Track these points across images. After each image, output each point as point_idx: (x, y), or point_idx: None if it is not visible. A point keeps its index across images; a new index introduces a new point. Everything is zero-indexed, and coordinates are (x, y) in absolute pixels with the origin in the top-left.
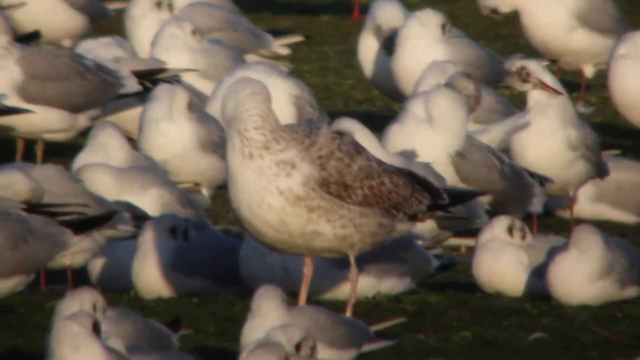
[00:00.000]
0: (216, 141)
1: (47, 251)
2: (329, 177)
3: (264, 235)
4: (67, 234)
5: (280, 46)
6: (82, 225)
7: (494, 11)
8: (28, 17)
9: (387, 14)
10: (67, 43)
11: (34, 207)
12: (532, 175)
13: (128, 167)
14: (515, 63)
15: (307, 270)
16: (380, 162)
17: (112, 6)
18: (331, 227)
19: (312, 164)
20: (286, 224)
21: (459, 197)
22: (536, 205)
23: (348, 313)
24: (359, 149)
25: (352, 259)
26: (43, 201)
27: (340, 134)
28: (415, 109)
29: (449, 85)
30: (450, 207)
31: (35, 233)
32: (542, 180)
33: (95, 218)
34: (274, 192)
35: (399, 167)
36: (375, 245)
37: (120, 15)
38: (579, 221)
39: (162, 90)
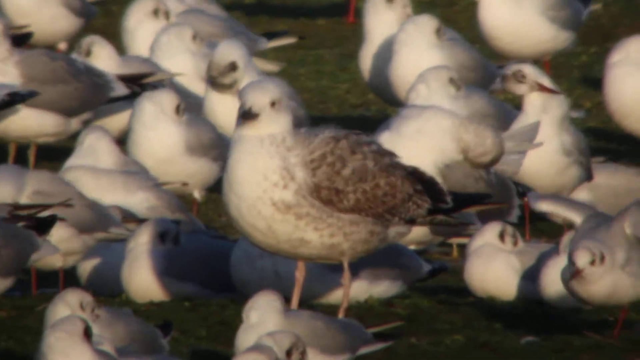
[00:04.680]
0: (206, 144)
1: (27, 251)
2: (320, 183)
3: (252, 236)
4: (34, 235)
5: (269, 62)
6: (41, 227)
7: None
8: (32, 25)
9: None
10: (62, 45)
11: (19, 208)
12: (516, 184)
13: (115, 170)
14: (511, 67)
15: (300, 274)
16: (380, 158)
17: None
18: (319, 235)
19: (305, 168)
20: (273, 230)
21: (465, 201)
22: (513, 216)
23: (340, 317)
24: (355, 149)
25: (345, 265)
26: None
27: (337, 138)
28: (410, 119)
29: (472, 124)
30: (454, 211)
31: (16, 233)
32: (525, 189)
33: (46, 219)
34: (267, 202)
35: (402, 165)
36: (368, 252)
37: (106, 14)
38: (572, 226)
39: (149, 95)
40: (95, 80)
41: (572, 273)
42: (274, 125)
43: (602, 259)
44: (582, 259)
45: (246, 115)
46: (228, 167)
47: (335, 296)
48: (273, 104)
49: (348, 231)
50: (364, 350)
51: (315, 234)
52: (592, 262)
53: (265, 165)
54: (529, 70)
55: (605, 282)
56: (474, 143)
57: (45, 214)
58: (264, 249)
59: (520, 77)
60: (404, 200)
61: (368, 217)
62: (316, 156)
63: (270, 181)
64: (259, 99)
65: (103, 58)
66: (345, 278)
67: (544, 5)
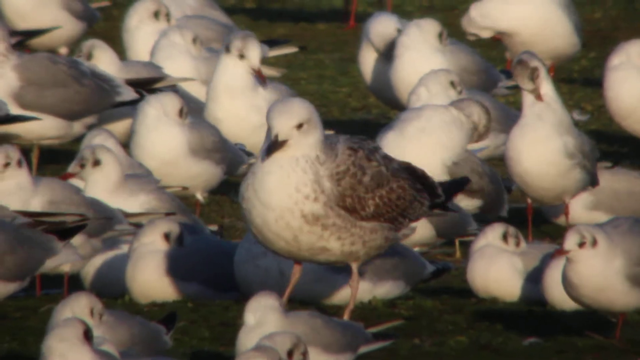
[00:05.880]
0: (209, 147)
1: (39, 256)
2: (344, 192)
3: (272, 244)
4: (53, 241)
5: (270, 67)
6: (64, 232)
7: (475, 35)
8: (32, 29)
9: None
10: (63, 50)
11: (27, 215)
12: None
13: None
14: (533, 61)
15: (297, 272)
16: (389, 162)
17: (95, 5)
18: (340, 244)
19: (331, 179)
20: (299, 240)
21: (450, 189)
22: (504, 210)
23: (346, 318)
24: (370, 156)
25: (354, 268)
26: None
27: (355, 148)
28: (411, 120)
29: (460, 106)
30: (446, 202)
31: (28, 239)
32: (509, 184)
33: (74, 227)
34: (297, 214)
35: (400, 163)
36: (377, 256)
37: (107, 17)
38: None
39: (153, 98)
40: (100, 84)
41: (556, 250)
42: (304, 146)
43: (594, 243)
44: (569, 240)
45: (274, 146)
46: (256, 176)
47: (339, 297)
48: (300, 125)
49: (367, 239)
50: (364, 349)
51: (338, 242)
52: (582, 245)
53: (298, 179)
54: (542, 74)
55: (593, 265)
56: (477, 113)
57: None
58: (279, 254)
59: (534, 76)
60: (412, 202)
61: (385, 222)
62: (342, 169)
63: (302, 193)
64: (285, 125)
65: (104, 62)
66: (354, 280)
67: (563, 2)
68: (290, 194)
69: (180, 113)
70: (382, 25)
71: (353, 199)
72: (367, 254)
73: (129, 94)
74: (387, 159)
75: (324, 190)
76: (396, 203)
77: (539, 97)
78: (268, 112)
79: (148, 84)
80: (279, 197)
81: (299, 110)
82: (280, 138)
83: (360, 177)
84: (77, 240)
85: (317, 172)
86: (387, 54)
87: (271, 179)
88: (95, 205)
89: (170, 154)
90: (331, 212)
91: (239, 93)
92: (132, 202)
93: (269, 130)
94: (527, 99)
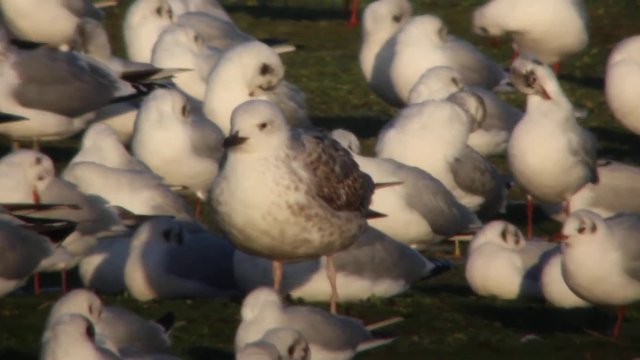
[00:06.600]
0: (212, 145)
1: (36, 256)
2: (321, 182)
3: (255, 241)
4: (47, 241)
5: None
6: (56, 234)
7: (484, 30)
8: (31, 26)
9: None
10: (64, 48)
11: (20, 208)
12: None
13: (121, 168)
14: (526, 65)
15: (278, 268)
16: (347, 153)
17: (99, 5)
18: (321, 235)
19: (307, 169)
20: (284, 233)
21: None
22: (503, 206)
23: (332, 308)
24: (336, 146)
25: (328, 257)
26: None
27: (319, 137)
28: (412, 117)
29: (456, 99)
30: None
31: (26, 238)
32: (508, 180)
33: (63, 228)
34: (283, 206)
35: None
36: (350, 246)
37: (109, 16)
38: None
39: (156, 95)
40: (98, 80)
41: (555, 235)
42: (269, 147)
43: (594, 229)
44: (568, 225)
45: (232, 140)
46: (230, 181)
47: (325, 292)
48: (263, 125)
49: (345, 229)
50: (363, 347)
51: (319, 234)
52: (581, 231)
53: (273, 174)
54: (541, 74)
55: (591, 251)
56: (473, 105)
57: (54, 215)
58: (259, 253)
59: (531, 80)
60: (367, 191)
61: (354, 211)
62: (314, 158)
63: (282, 185)
64: (246, 122)
65: (102, 45)
66: (330, 269)
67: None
68: (272, 189)
69: (183, 111)
70: (375, 9)
71: (329, 189)
72: (342, 245)
73: (126, 89)
74: (345, 149)
75: (301, 179)
76: (359, 192)
77: (545, 95)
78: (232, 111)
79: (145, 76)
80: (262, 194)
81: (262, 110)
82: (240, 135)
83: (332, 166)
84: (70, 237)
85: (290, 166)
86: (387, 44)
87: (248, 180)
88: (91, 202)
89: (172, 152)
90: (314, 202)
91: (236, 85)
92: (135, 198)
93: (231, 128)
94: (533, 99)
